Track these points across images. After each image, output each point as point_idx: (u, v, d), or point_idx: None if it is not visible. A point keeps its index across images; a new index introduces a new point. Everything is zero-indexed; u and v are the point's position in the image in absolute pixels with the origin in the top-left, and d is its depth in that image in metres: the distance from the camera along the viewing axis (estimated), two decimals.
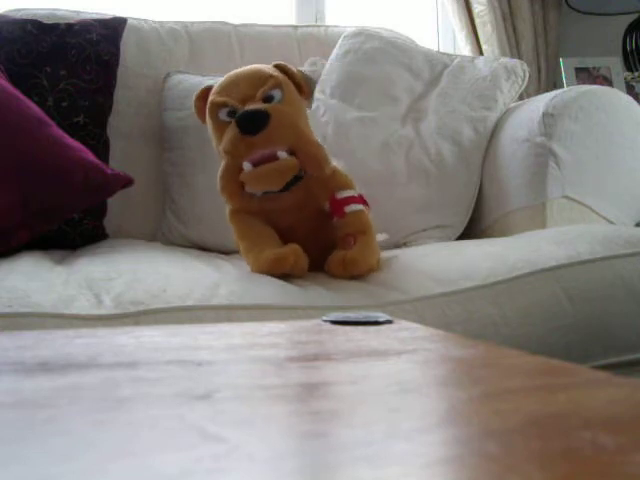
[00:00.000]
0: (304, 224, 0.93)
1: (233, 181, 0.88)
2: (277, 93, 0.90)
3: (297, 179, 0.89)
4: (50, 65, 1.32)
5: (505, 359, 0.39)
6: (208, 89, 0.95)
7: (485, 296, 0.81)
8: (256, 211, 0.92)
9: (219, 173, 0.90)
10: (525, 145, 1.25)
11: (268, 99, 0.89)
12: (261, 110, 0.86)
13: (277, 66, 0.95)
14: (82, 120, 1.31)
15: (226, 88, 0.92)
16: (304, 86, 0.95)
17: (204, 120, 0.96)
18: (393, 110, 1.42)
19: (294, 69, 0.95)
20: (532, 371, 0.37)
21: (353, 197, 0.91)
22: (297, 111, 0.91)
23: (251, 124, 0.85)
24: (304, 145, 0.88)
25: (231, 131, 0.87)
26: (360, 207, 0.91)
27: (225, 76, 0.96)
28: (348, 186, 0.92)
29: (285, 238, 0.90)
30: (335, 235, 0.90)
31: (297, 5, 1.94)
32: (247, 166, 0.86)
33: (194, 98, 0.97)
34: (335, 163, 0.94)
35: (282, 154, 0.86)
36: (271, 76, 0.91)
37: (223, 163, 0.89)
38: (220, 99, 0.91)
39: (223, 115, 0.90)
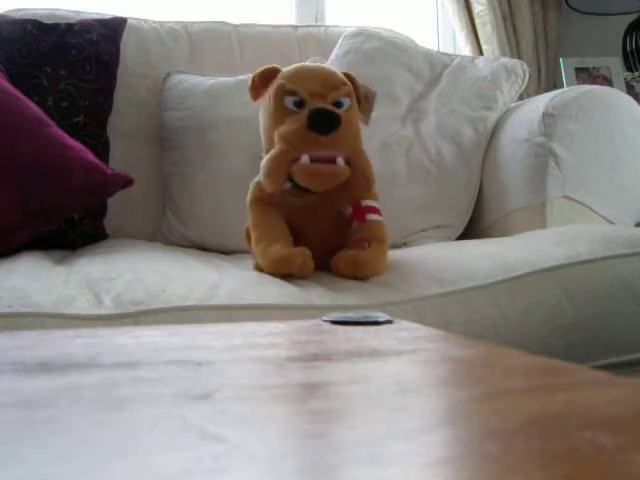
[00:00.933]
0: (319, 224, 0.93)
1: (282, 170, 0.87)
2: (346, 101, 0.91)
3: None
4: (50, 65, 1.32)
5: (505, 359, 0.39)
6: (274, 70, 0.95)
7: (485, 296, 0.81)
8: (277, 203, 0.92)
9: (269, 156, 0.88)
10: (525, 145, 1.25)
11: (337, 104, 0.90)
12: (336, 113, 0.87)
13: (345, 74, 0.96)
14: (82, 120, 1.31)
15: (298, 78, 0.92)
16: (363, 102, 0.96)
17: (256, 97, 0.96)
18: (393, 110, 1.42)
19: (360, 82, 0.97)
20: (532, 371, 0.37)
21: (376, 208, 0.93)
22: (357, 124, 0.93)
23: (324, 124, 0.86)
24: (360, 160, 0.89)
25: (297, 122, 0.87)
26: (381, 218, 0.93)
27: (296, 66, 0.96)
28: (373, 197, 0.94)
29: (298, 235, 0.91)
30: (347, 240, 0.90)
31: (297, 5, 1.94)
32: (305, 159, 0.86)
33: (257, 73, 0.96)
34: None
35: (340, 161, 0.86)
36: (344, 83, 0.92)
37: (278, 149, 0.88)
38: (291, 86, 0.90)
39: (289, 103, 0.90)
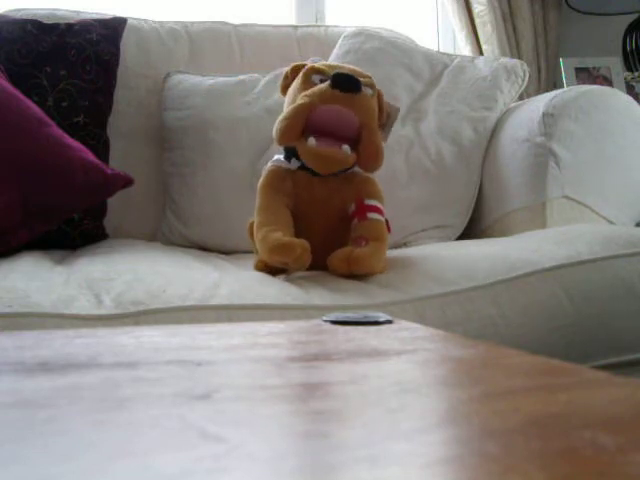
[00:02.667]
0: (323, 219, 0.94)
1: (298, 122, 0.89)
2: (369, 90, 0.94)
3: (340, 170, 0.92)
4: (50, 65, 1.32)
5: (505, 359, 0.39)
6: (304, 65, 0.99)
7: (485, 296, 0.81)
8: (288, 193, 0.93)
9: (284, 114, 0.91)
10: (525, 145, 1.25)
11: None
12: (358, 79, 0.90)
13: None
14: (82, 120, 1.31)
15: (327, 65, 0.97)
16: (383, 116, 0.98)
17: (285, 90, 0.99)
18: None
19: (385, 98, 0.99)
20: (532, 371, 0.37)
21: (379, 208, 0.94)
22: (375, 112, 0.94)
23: (345, 82, 0.89)
24: (372, 132, 0.90)
25: (322, 85, 0.91)
26: (382, 218, 0.93)
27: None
28: (378, 197, 0.95)
29: (302, 227, 0.91)
30: (349, 238, 0.91)
31: (297, 5, 1.94)
32: (311, 141, 0.88)
33: (291, 66, 1.00)
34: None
35: (346, 147, 0.88)
36: (370, 77, 0.96)
37: (298, 102, 0.91)
38: (321, 65, 0.95)
39: (316, 79, 0.94)
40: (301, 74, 0.96)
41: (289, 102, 0.96)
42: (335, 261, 0.86)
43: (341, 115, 0.88)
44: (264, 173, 0.96)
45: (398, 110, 1.00)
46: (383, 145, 0.92)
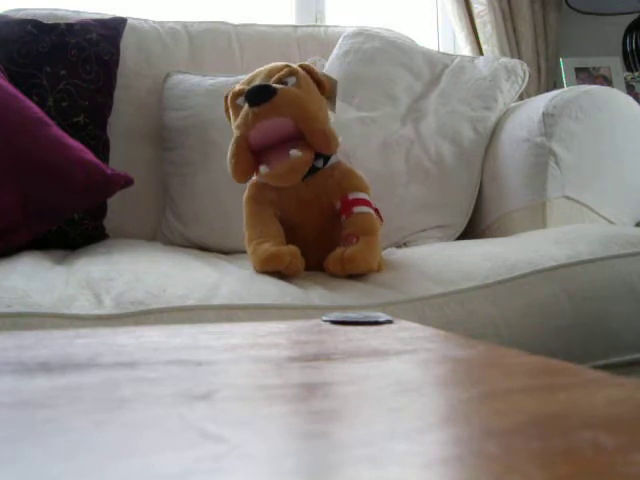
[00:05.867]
0: (313, 221, 0.94)
1: (242, 153, 0.90)
2: (291, 79, 0.93)
3: (314, 170, 0.91)
4: (50, 65, 1.32)
5: (505, 359, 0.39)
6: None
7: (485, 296, 0.81)
8: (273, 202, 0.93)
9: (229, 153, 0.92)
10: (525, 145, 1.25)
11: (282, 84, 0.92)
12: (268, 85, 0.89)
13: (300, 65, 0.98)
14: (82, 120, 1.31)
15: (246, 81, 0.96)
16: (325, 82, 0.97)
17: (229, 118, 0.99)
18: (393, 110, 1.42)
19: (316, 69, 0.98)
20: (532, 371, 0.37)
21: (364, 200, 0.93)
22: (311, 97, 0.93)
23: (257, 96, 0.88)
24: (310, 121, 0.89)
25: (243, 109, 0.90)
26: (369, 210, 0.92)
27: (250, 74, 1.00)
28: (362, 189, 0.94)
29: (292, 234, 0.91)
30: (341, 236, 0.90)
31: (297, 5, 1.94)
32: (264, 169, 0.89)
33: (224, 99, 1.00)
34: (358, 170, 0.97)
35: (294, 152, 0.87)
36: (287, 65, 0.95)
37: (232, 139, 0.91)
38: (239, 87, 0.95)
39: (240, 101, 0.93)
40: (229, 103, 0.96)
41: (233, 125, 0.96)
42: (330, 265, 0.86)
43: (271, 127, 0.88)
44: (248, 186, 0.97)
45: (336, 81, 0.99)
46: (330, 119, 0.92)
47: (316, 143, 0.90)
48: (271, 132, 0.88)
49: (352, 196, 0.92)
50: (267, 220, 0.93)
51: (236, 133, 0.91)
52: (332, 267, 0.86)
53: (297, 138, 0.89)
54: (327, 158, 0.94)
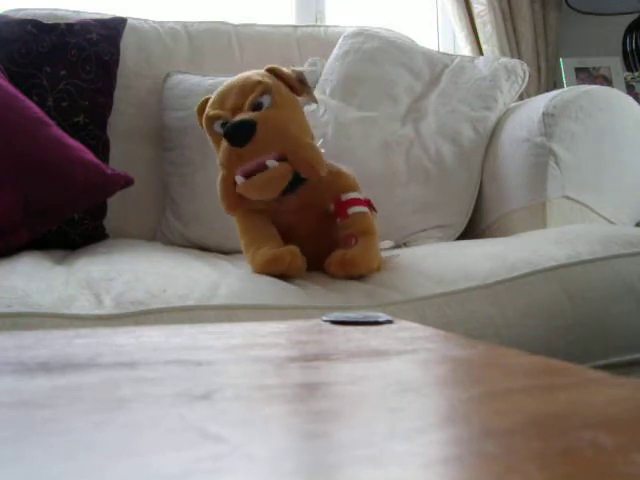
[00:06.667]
0: (308, 224, 0.93)
1: (230, 192, 0.89)
2: (266, 99, 0.89)
3: (301, 181, 0.88)
4: (50, 65, 1.32)
5: (505, 359, 0.39)
6: (207, 101, 0.96)
7: (485, 296, 0.81)
8: (262, 209, 0.92)
9: (217, 185, 0.90)
10: (525, 145, 1.25)
11: (257, 106, 0.89)
12: (246, 120, 0.86)
13: (268, 70, 0.94)
14: (82, 120, 1.31)
15: (219, 100, 0.93)
16: (296, 86, 0.94)
17: (202, 126, 0.97)
18: (393, 110, 1.42)
19: (285, 70, 0.94)
20: (532, 371, 0.37)
21: (358, 199, 0.92)
22: (289, 113, 0.91)
23: (237, 136, 0.85)
24: (295, 149, 0.87)
25: (223, 144, 0.88)
26: (363, 209, 0.91)
27: (221, 87, 0.95)
28: (353, 188, 0.93)
29: (288, 237, 0.91)
30: (338, 237, 0.90)
31: (297, 5, 1.94)
32: (239, 179, 0.87)
33: (196, 110, 0.98)
34: (345, 168, 0.95)
35: (271, 162, 0.85)
36: (259, 82, 0.90)
37: (219, 175, 0.90)
38: (213, 112, 0.91)
39: (217, 127, 0.91)
40: (205, 127, 0.93)
41: (216, 153, 0.93)
42: (332, 267, 0.86)
43: (256, 164, 0.86)
44: (226, 210, 0.95)
45: (302, 72, 0.95)
46: (314, 145, 0.89)
47: (304, 172, 0.87)
48: (256, 166, 0.86)
49: (345, 197, 0.91)
50: (261, 226, 0.92)
51: (221, 172, 0.89)
52: (333, 269, 0.86)
53: (282, 159, 0.87)
54: None
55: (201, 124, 0.96)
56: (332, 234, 0.91)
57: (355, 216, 0.90)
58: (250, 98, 0.89)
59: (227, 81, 0.96)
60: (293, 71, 0.95)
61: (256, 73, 0.94)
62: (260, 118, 0.86)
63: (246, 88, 0.90)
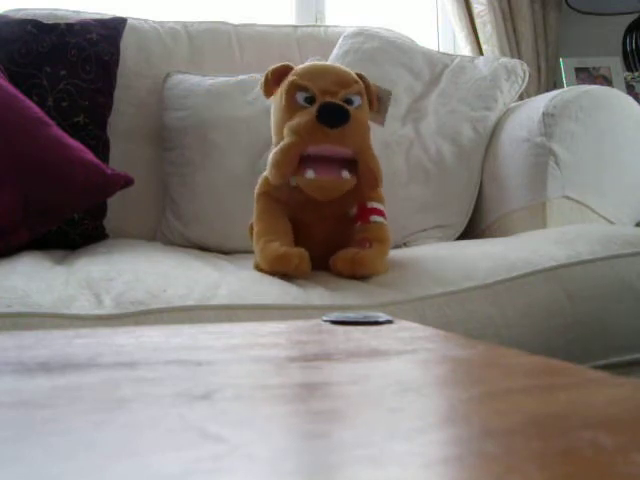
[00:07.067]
0: (325, 224, 0.94)
1: (292, 161, 0.87)
2: (357, 99, 0.92)
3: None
4: (50, 65, 1.32)
5: (505, 359, 0.39)
6: (287, 67, 0.95)
7: (485, 296, 0.81)
8: (284, 200, 0.93)
9: (278, 148, 0.89)
10: (525, 145, 1.25)
11: (348, 102, 0.91)
12: (345, 108, 0.87)
13: (358, 75, 0.96)
14: (82, 120, 1.31)
15: (310, 75, 0.93)
16: (375, 103, 0.97)
17: (268, 94, 0.96)
18: (393, 110, 1.41)
19: (372, 83, 0.97)
20: (532, 371, 0.37)
21: (381, 211, 0.94)
22: (367, 122, 0.94)
23: (333, 117, 0.86)
24: (367, 157, 0.89)
25: (307, 115, 0.87)
26: (384, 221, 0.93)
27: (309, 64, 0.97)
28: (379, 200, 0.95)
29: (302, 234, 0.91)
30: (351, 241, 0.91)
31: (297, 5, 1.94)
32: (310, 173, 0.87)
33: (270, 70, 0.96)
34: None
35: (345, 174, 0.87)
36: (356, 82, 0.93)
37: (287, 141, 0.88)
38: (303, 82, 0.91)
39: (300, 98, 0.91)
40: (284, 89, 0.92)
41: (276, 123, 0.94)
42: (339, 262, 0.86)
43: (332, 151, 0.87)
44: (260, 180, 0.96)
45: (390, 93, 0.98)
46: (379, 162, 0.91)
47: (365, 182, 0.89)
48: (329, 152, 0.87)
49: (370, 205, 0.93)
50: (278, 217, 0.92)
51: (293, 138, 0.88)
52: (340, 266, 0.86)
53: (348, 162, 0.88)
54: None
55: (267, 85, 0.95)
56: (346, 238, 0.91)
57: (375, 224, 0.92)
58: (347, 90, 0.91)
59: (316, 63, 0.97)
60: (376, 86, 0.97)
61: (350, 71, 0.96)
62: (353, 114, 0.88)
63: (344, 80, 0.92)
